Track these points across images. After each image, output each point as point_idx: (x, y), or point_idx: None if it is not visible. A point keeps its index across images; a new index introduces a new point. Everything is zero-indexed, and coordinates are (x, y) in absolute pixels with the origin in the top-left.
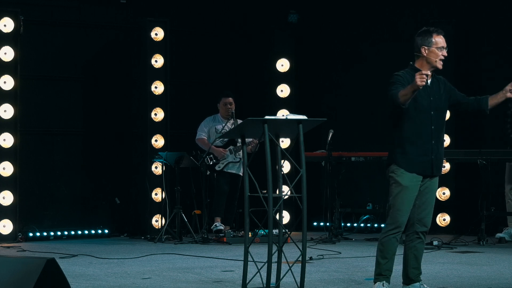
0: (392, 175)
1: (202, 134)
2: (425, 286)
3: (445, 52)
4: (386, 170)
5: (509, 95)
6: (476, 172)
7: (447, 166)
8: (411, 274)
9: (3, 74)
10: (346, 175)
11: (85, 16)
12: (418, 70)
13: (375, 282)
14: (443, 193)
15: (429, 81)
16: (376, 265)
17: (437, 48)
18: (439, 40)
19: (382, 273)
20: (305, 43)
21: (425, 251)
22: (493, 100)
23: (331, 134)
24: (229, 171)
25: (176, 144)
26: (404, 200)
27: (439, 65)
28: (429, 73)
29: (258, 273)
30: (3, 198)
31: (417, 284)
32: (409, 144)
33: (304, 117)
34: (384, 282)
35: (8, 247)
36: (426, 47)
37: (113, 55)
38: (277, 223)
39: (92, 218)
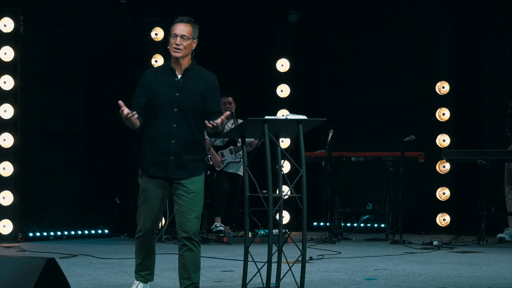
0: (139, 177)
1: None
2: None
3: (178, 40)
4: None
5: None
6: (476, 172)
7: (447, 166)
8: (181, 285)
9: (3, 74)
10: (346, 175)
11: (85, 16)
12: (170, 65)
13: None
14: (443, 193)
15: (179, 76)
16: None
17: (171, 36)
18: (174, 27)
19: (137, 272)
20: (305, 43)
21: (425, 251)
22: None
23: (331, 134)
24: (229, 171)
25: None
26: (144, 203)
27: (173, 53)
28: None
29: (258, 273)
30: (3, 198)
31: None
32: (148, 144)
33: (304, 117)
34: (140, 283)
35: (8, 247)
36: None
37: (113, 55)
38: (277, 223)
39: (92, 218)
